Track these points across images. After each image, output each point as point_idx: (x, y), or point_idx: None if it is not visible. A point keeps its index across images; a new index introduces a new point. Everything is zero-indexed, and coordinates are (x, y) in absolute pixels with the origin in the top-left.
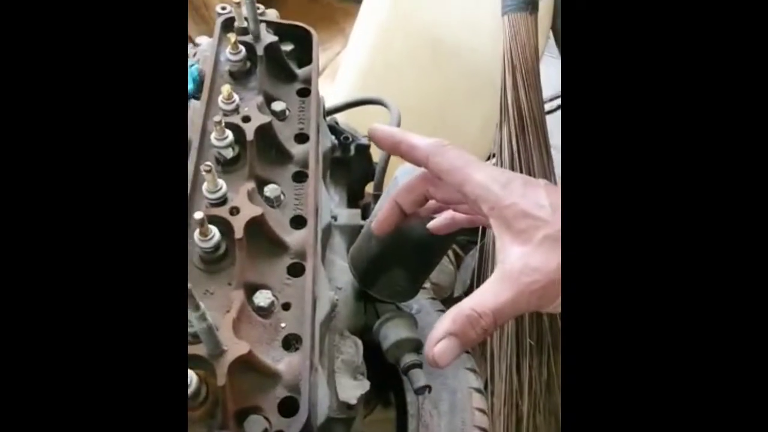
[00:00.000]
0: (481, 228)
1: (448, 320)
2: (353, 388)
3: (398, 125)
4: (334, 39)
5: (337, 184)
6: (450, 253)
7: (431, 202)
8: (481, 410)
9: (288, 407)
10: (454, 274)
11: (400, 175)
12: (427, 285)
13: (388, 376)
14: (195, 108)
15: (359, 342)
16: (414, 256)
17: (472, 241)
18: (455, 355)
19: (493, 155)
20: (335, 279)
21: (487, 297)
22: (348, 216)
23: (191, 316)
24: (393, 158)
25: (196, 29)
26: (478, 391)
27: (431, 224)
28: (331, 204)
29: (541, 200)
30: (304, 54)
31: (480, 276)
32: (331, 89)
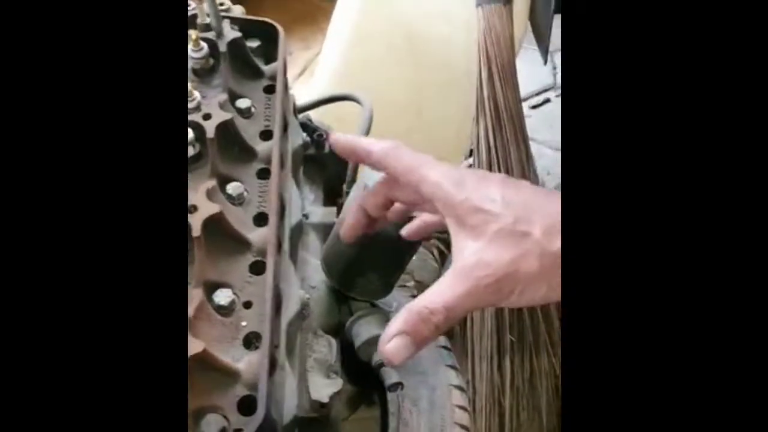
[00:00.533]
0: None
1: (400, 319)
2: (326, 387)
3: (370, 120)
4: (315, 38)
5: (312, 182)
6: (434, 250)
7: (397, 205)
8: (462, 407)
9: (248, 406)
10: (437, 271)
11: (368, 179)
12: (410, 283)
13: (370, 375)
14: None
15: (333, 341)
16: (385, 258)
17: None
18: (408, 352)
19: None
20: (309, 278)
21: (439, 293)
22: (323, 214)
23: None
24: None
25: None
26: (459, 388)
27: (404, 231)
28: (305, 202)
29: (492, 194)
30: (272, 50)
31: None
32: (308, 87)
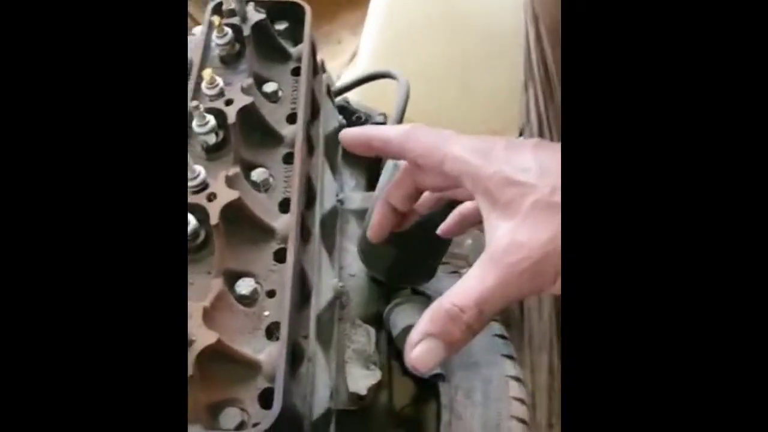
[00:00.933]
0: None
1: (425, 319)
2: (364, 378)
3: (407, 97)
4: (362, 25)
5: (352, 167)
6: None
7: (426, 194)
8: (520, 399)
9: (268, 399)
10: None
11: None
12: (465, 270)
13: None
14: None
15: (372, 330)
16: (424, 249)
17: None
18: (438, 358)
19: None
20: (348, 266)
21: (469, 288)
22: (362, 200)
23: None
24: None
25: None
26: (516, 379)
27: (441, 229)
28: (345, 188)
29: (525, 163)
30: (300, 32)
31: None
32: (353, 70)
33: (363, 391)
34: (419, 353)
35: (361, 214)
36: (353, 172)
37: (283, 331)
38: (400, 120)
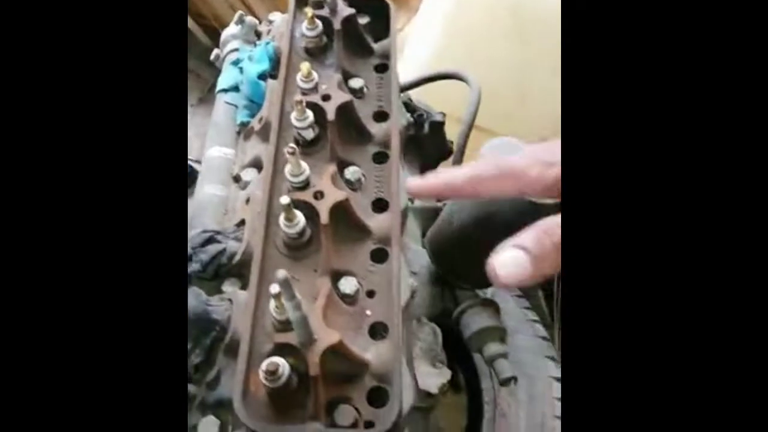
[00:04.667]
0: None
1: (518, 235)
2: (433, 376)
3: (478, 103)
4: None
5: (410, 164)
6: None
7: None
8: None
9: (377, 397)
10: None
11: (487, 150)
12: None
13: (458, 360)
14: (272, 87)
15: (437, 329)
16: (501, 240)
17: None
18: (523, 268)
19: None
20: (410, 263)
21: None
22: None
23: (287, 305)
24: (473, 135)
25: (263, 6)
26: (559, 380)
27: None
28: None
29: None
30: (380, 27)
31: None
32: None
33: (434, 390)
34: (504, 259)
35: (419, 212)
36: (410, 168)
37: (395, 332)
38: (470, 127)
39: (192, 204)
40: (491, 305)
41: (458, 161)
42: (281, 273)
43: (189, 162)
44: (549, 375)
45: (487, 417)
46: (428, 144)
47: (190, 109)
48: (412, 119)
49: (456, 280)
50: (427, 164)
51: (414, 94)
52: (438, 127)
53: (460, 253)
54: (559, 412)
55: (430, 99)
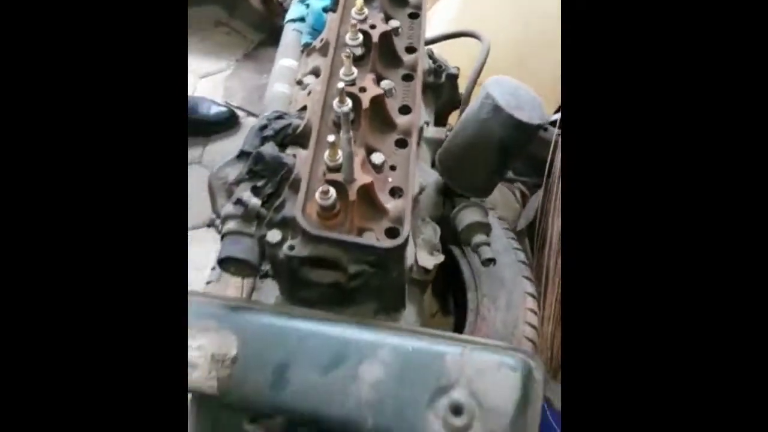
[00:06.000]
0: (547, 170)
1: None
2: (431, 259)
3: (487, 53)
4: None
5: (428, 106)
6: (517, 192)
7: None
8: (533, 311)
9: (392, 234)
10: (519, 211)
11: (489, 85)
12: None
13: (448, 287)
14: (332, 17)
15: (437, 227)
16: (493, 155)
17: (537, 184)
18: None
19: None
20: (420, 176)
21: None
22: (434, 131)
23: (343, 138)
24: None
25: None
26: (532, 295)
27: None
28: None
29: None
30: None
31: (543, 213)
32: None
33: (430, 266)
34: None
35: (432, 142)
36: (428, 110)
37: (408, 195)
38: (478, 73)
39: (266, 98)
40: (480, 208)
41: (466, 103)
42: (332, 136)
43: (232, 107)
44: (525, 291)
45: (470, 320)
46: (444, 93)
47: (235, 63)
48: (432, 67)
49: (458, 188)
50: (442, 107)
51: (435, 48)
52: (453, 78)
53: (462, 166)
54: (529, 319)
55: (447, 56)
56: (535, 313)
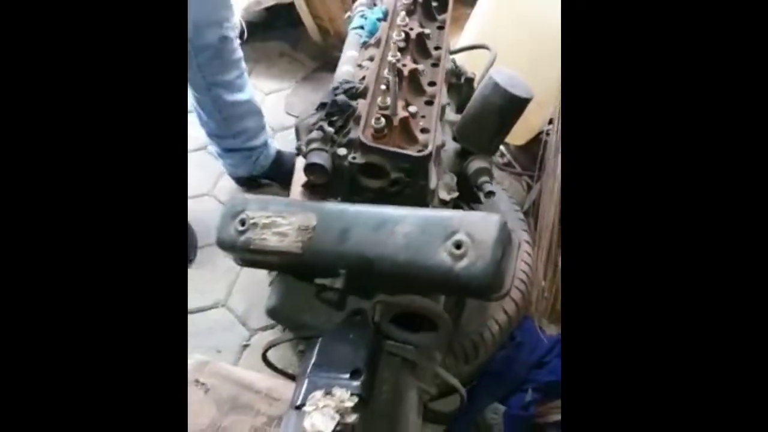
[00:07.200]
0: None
1: None
2: (448, 196)
3: (494, 60)
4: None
5: (452, 99)
6: (523, 182)
7: None
8: (528, 253)
9: (420, 152)
10: (525, 195)
11: (493, 72)
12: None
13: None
14: (384, 25)
15: (454, 176)
16: (494, 121)
17: (538, 177)
18: None
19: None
20: (445, 143)
21: None
22: (454, 117)
23: (391, 90)
24: None
25: None
26: (528, 243)
27: None
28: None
29: None
30: (440, 6)
31: (540, 195)
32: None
33: (447, 198)
34: None
35: (452, 124)
36: (451, 103)
37: (432, 129)
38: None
39: (336, 75)
40: (486, 160)
41: None
42: (383, 86)
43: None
44: (523, 239)
45: None
46: (463, 92)
47: (294, 84)
48: (455, 71)
49: (469, 146)
50: (461, 102)
51: (457, 58)
52: (470, 81)
53: (472, 129)
54: (525, 259)
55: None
56: (530, 254)
